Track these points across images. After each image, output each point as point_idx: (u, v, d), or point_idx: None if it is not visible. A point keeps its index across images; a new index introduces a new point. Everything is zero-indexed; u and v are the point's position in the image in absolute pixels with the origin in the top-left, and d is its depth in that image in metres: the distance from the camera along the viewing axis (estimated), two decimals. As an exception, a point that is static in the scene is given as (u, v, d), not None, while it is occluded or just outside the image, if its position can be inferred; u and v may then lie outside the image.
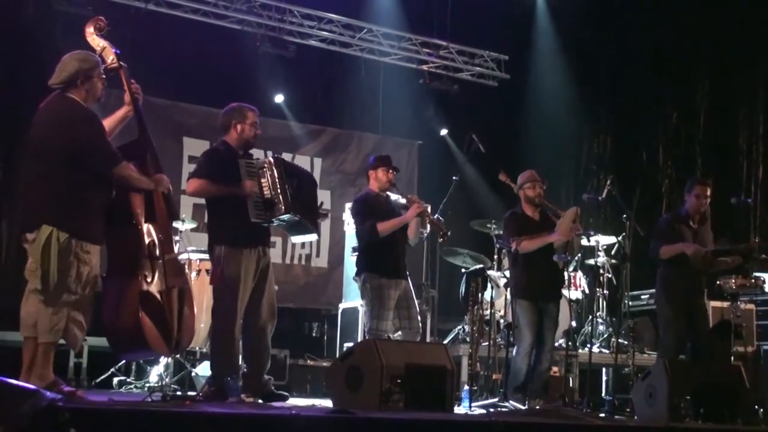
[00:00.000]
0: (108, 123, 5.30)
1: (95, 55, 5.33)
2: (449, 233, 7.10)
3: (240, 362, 6.12)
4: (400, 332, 6.88)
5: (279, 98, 10.97)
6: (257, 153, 6.93)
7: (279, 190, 6.05)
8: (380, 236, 6.85)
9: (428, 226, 7.49)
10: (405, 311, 6.92)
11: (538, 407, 6.73)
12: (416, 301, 7.10)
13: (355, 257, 7.35)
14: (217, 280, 5.98)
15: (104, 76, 5.22)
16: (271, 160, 6.22)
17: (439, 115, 12.07)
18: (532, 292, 7.17)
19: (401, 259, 7.02)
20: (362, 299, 7.02)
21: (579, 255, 9.05)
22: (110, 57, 5.46)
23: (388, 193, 7.21)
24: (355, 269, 7.14)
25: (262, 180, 6.08)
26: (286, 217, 6.12)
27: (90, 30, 5.54)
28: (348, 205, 9.32)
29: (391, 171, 7.07)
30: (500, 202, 10.25)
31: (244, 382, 6.01)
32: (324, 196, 10.24)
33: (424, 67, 11.81)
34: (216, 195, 6.11)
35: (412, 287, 7.10)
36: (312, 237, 6.84)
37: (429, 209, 7.21)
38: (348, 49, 11.39)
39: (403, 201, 7.21)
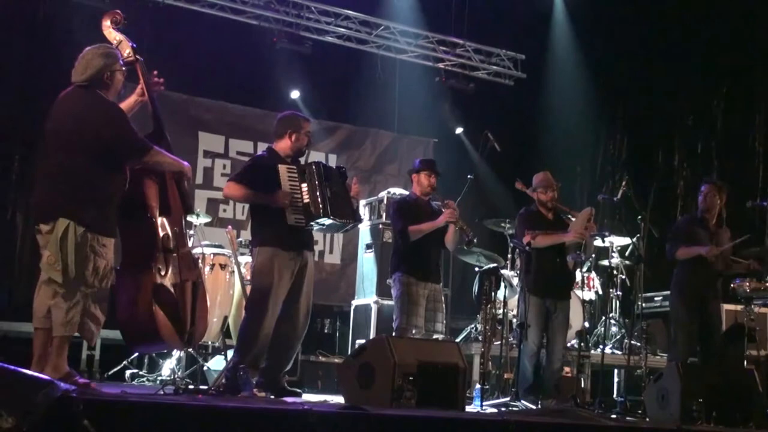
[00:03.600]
0: None
1: (113, 47, 5.34)
2: (475, 240, 7.10)
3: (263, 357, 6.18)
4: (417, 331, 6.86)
5: (295, 94, 10.97)
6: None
7: (318, 195, 6.14)
8: (411, 239, 6.90)
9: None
10: (431, 313, 6.96)
11: (550, 407, 6.72)
12: (444, 306, 7.12)
13: (370, 254, 7.36)
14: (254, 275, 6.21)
15: (124, 69, 5.24)
16: (312, 165, 6.30)
17: (455, 114, 12.05)
18: (540, 289, 7.17)
19: (434, 263, 7.07)
20: (393, 298, 7.07)
21: (593, 256, 9.02)
22: (126, 50, 5.47)
23: (430, 199, 7.23)
24: (374, 267, 7.15)
25: (303, 185, 6.17)
26: (323, 220, 6.23)
27: (107, 23, 5.56)
28: (362, 202, 9.32)
29: (433, 176, 7.13)
30: (515, 201, 10.20)
31: (261, 377, 6.06)
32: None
33: (441, 65, 11.79)
34: (248, 201, 6.31)
35: (442, 292, 7.12)
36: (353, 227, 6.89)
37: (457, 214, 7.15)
38: (364, 46, 11.39)
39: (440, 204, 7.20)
